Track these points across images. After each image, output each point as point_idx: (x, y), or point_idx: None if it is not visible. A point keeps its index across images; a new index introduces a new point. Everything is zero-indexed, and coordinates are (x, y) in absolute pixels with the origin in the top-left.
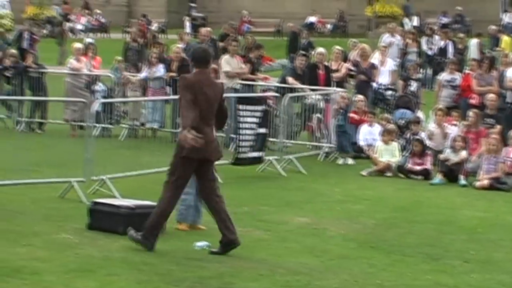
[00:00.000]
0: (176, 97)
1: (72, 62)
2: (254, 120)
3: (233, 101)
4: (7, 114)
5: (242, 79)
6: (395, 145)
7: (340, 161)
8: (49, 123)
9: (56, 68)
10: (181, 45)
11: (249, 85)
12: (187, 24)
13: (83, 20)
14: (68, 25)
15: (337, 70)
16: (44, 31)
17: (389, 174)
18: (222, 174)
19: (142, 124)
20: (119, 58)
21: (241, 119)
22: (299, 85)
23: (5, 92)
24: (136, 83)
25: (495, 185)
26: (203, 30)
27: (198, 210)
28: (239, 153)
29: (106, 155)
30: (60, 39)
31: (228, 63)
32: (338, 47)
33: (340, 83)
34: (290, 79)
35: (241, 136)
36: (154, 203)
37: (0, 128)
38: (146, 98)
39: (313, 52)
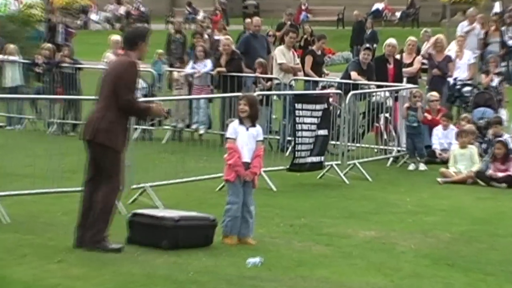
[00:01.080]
0: (224, 95)
1: (109, 56)
2: (313, 120)
3: (290, 99)
4: (37, 116)
5: (305, 75)
6: (473, 150)
7: (411, 167)
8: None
9: (92, 63)
10: (220, 37)
11: (308, 81)
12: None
13: (111, 7)
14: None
15: (410, 64)
16: (78, 22)
17: (468, 181)
18: (277, 181)
19: (188, 126)
20: (160, 51)
21: (299, 120)
22: (364, 81)
23: (34, 90)
24: (180, 80)
25: None
26: (255, 20)
27: (247, 221)
28: (296, 158)
29: (147, 161)
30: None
31: (283, 54)
32: (412, 38)
33: (412, 79)
34: (353, 74)
35: (298, 139)
36: (201, 214)
37: (29, 131)
38: (187, 97)
39: (375, 45)
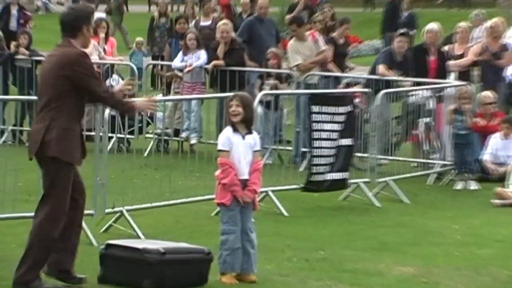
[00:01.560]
0: (222, 95)
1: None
2: (335, 127)
3: (305, 101)
4: None
5: (323, 69)
6: None
7: (459, 186)
8: None
9: None
10: (207, 23)
11: (327, 77)
12: None
13: None
14: None
15: (461, 56)
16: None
17: None
18: (289, 204)
19: (176, 134)
20: (140, 39)
21: (317, 126)
22: (399, 77)
23: None
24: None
25: None
26: (261, 1)
27: (248, 253)
28: (313, 174)
29: (125, 178)
30: (118, 15)
31: (296, 52)
32: (463, 23)
33: (464, 74)
34: (382, 68)
35: (316, 150)
36: (193, 246)
37: None
38: (174, 97)
39: (413, 31)
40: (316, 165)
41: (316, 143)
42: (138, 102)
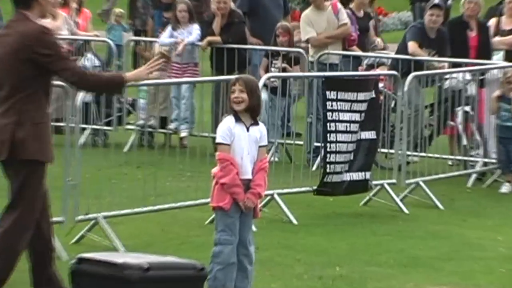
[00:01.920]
0: (218, 78)
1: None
2: (354, 117)
3: (319, 85)
4: None
5: (345, 47)
6: None
7: (504, 189)
8: None
9: None
10: None
11: (346, 56)
12: None
13: None
14: None
15: (510, 32)
16: None
17: None
18: (299, 211)
19: (163, 125)
20: (119, 11)
21: (332, 116)
22: (432, 57)
23: None
24: (150, 55)
25: None
26: None
27: (244, 270)
28: (328, 174)
29: (101, 178)
30: None
31: (310, 24)
32: None
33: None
34: (412, 46)
35: (331, 145)
36: (183, 261)
37: None
38: (161, 81)
39: (449, 2)
40: (332, 163)
41: (332, 137)
42: (133, 72)
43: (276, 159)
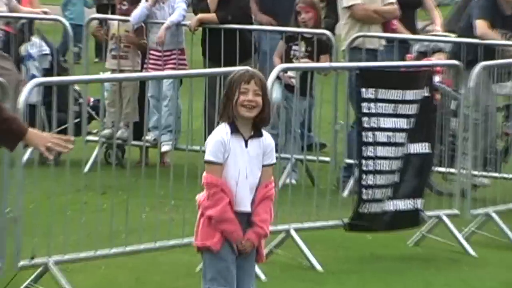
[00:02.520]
0: (213, 71)
1: None
2: (400, 123)
3: (351, 80)
4: None
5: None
6: None
7: None
8: None
9: None
10: None
11: (390, 40)
12: None
13: None
14: None
15: None
16: None
17: None
18: (324, 253)
19: (138, 137)
20: None
21: (369, 123)
22: (506, 41)
23: None
24: (117, 38)
25: None
26: None
27: None
28: (364, 203)
29: (53, 209)
30: None
31: None
32: None
33: None
34: (481, 26)
35: (368, 163)
36: None
37: None
38: (135, 75)
39: None
40: (370, 187)
41: (370, 151)
42: (35, 134)
43: (294, 181)
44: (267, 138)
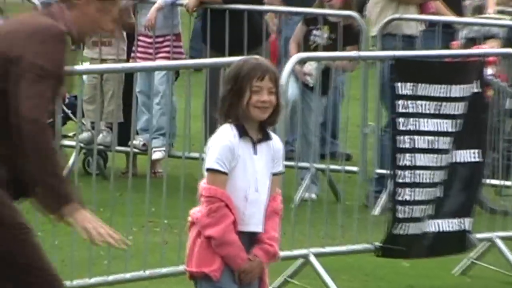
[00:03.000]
0: (215, 61)
1: None
2: (445, 126)
3: (383, 72)
4: None
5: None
6: None
7: None
8: None
9: None
10: None
11: (431, 24)
12: None
13: None
14: None
15: None
16: None
17: None
18: (350, 283)
19: (122, 141)
20: None
21: (406, 125)
22: None
23: None
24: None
25: None
26: None
27: None
28: (399, 222)
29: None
30: None
31: None
32: None
33: None
34: None
35: (404, 174)
36: None
37: None
38: (120, 65)
39: None
40: (406, 203)
41: (406, 159)
42: (82, 215)
43: (314, 196)
44: (276, 141)
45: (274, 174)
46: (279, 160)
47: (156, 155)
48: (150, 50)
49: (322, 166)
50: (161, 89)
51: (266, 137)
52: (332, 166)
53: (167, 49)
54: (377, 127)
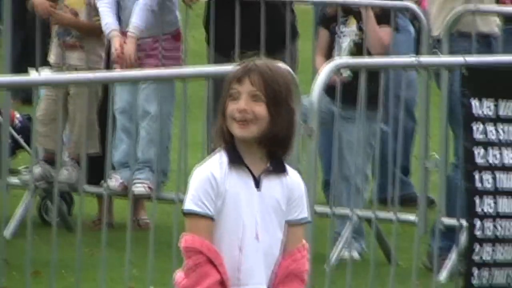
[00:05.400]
0: (223, 68)
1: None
2: None
3: (453, 86)
4: None
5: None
6: None
7: None
8: None
9: None
10: None
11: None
12: None
13: None
14: None
15: None
16: None
17: None
18: None
19: (96, 179)
20: None
21: (486, 156)
22: None
23: None
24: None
25: None
26: None
27: None
28: (478, 268)
29: None
30: None
31: None
32: None
33: None
34: None
35: (484, 225)
36: None
37: None
38: (93, 75)
39: None
40: (486, 265)
41: (487, 204)
42: None
43: (356, 254)
44: (293, 175)
45: (293, 222)
46: (298, 203)
47: (139, 189)
48: (138, 53)
49: (368, 213)
50: (152, 109)
51: (277, 169)
52: (381, 214)
53: (156, 54)
54: (443, 160)
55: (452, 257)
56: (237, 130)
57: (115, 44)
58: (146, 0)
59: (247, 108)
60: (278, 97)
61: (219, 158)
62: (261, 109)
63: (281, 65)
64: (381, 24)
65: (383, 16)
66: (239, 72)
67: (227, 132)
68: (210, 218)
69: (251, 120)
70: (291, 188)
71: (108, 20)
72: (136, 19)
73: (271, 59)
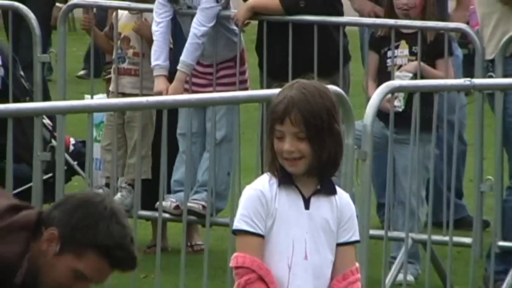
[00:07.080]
0: (269, 92)
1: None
2: None
3: (508, 108)
4: None
5: None
6: None
7: None
8: None
9: None
10: None
11: None
12: None
13: None
14: None
15: None
16: None
17: None
18: None
19: (150, 204)
20: None
21: None
22: None
23: None
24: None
25: None
26: None
27: None
28: None
29: None
30: None
31: None
32: None
33: None
34: None
35: None
36: None
37: None
38: (146, 99)
39: None
40: None
41: None
42: None
43: (411, 277)
44: (342, 196)
45: (343, 244)
46: (350, 225)
47: (191, 205)
48: (201, 81)
49: (423, 236)
50: (219, 134)
51: (326, 189)
52: (435, 237)
53: (223, 78)
54: (498, 183)
55: (508, 280)
56: (288, 167)
57: (160, 86)
58: (195, 31)
59: (293, 149)
60: (320, 129)
61: (270, 178)
62: (305, 147)
63: (329, 86)
64: (435, 53)
65: (436, 43)
66: (280, 112)
67: (278, 165)
68: (261, 236)
69: (299, 158)
70: (340, 209)
71: (157, 61)
72: (184, 55)
73: (311, 80)
